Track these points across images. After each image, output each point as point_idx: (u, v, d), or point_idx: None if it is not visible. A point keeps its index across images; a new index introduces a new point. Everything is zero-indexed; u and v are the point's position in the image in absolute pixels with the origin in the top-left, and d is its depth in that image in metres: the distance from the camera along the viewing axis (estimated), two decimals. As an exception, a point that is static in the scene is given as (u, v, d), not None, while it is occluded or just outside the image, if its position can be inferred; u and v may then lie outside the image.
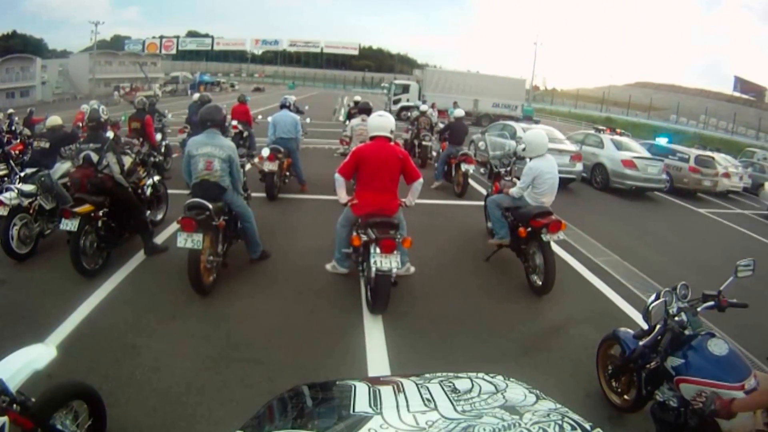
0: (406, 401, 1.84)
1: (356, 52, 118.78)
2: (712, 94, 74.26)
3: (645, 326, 3.53)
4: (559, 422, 1.69)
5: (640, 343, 3.51)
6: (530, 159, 6.53)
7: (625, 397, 3.91)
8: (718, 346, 3.03)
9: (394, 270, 5.03)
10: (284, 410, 2.01)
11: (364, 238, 5.32)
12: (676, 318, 3.29)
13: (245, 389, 3.94)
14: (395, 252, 5.06)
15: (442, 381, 2.06)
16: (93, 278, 5.74)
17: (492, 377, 2.16)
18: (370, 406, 1.81)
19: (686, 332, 3.25)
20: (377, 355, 4.57)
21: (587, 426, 1.69)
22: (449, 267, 6.95)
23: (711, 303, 3.48)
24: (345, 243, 5.89)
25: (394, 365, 4.41)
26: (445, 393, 1.93)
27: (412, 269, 6.10)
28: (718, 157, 18.73)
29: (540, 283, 6.09)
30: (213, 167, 5.64)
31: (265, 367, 4.25)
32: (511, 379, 2.16)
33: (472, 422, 1.66)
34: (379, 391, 1.95)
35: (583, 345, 4.86)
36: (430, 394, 1.91)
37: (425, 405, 1.81)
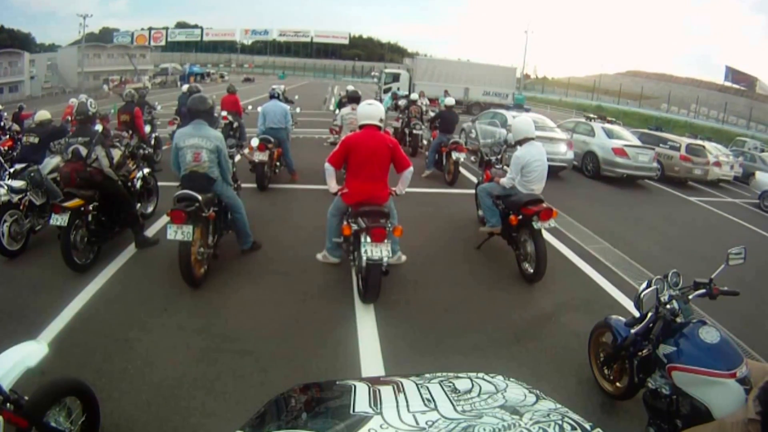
0: (406, 401, 1.83)
1: (346, 42, 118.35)
2: (704, 83, 74.24)
3: (637, 314, 3.54)
4: (559, 422, 1.69)
5: (632, 330, 3.51)
6: (518, 147, 6.55)
7: (617, 384, 3.93)
8: (709, 334, 3.03)
9: (385, 259, 5.03)
10: (284, 410, 2.00)
11: (355, 227, 5.31)
12: (668, 306, 3.29)
13: (238, 381, 3.95)
14: (386, 241, 5.05)
15: (442, 381, 2.05)
16: (84, 273, 5.71)
17: (492, 377, 2.15)
18: (370, 406, 1.80)
19: (678, 320, 3.25)
20: (369, 345, 4.58)
21: (587, 426, 1.68)
22: (440, 255, 6.96)
23: (702, 291, 3.48)
24: (336, 232, 5.88)
25: (386, 355, 4.42)
26: (445, 393, 1.92)
27: (404, 258, 6.09)
28: (709, 146, 18.81)
29: (531, 270, 6.11)
30: (201, 158, 5.61)
31: (258, 359, 4.25)
32: (511, 379, 2.16)
33: (472, 422, 1.65)
34: (379, 391, 1.94)
35: (575, 332, 4.89)
36: (430, 394, 1.90)
37: (425, 405, 1.80)
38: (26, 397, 2.51)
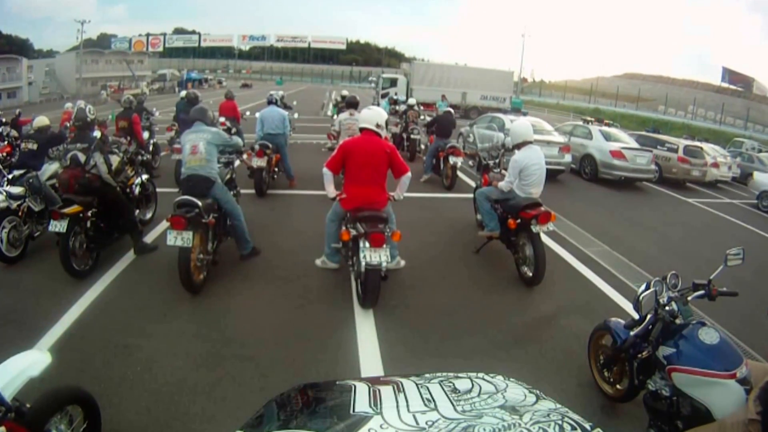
0: (406, 401, 1.83)
1: (344, 47, 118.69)
2: (701, 84, 74.46)
3: (636, 316, 3.53)
4: (559, 422, 1.69)
5: (631, 333, 3.51)
6: (516, 150, 6.56)
7: (618, 386, 3.93)
8: (709, 335, 3.03)
9: (384, 264, 5.04)
10: (284, 410, 2.00)
11: (354, 232, 5.32)
12: (667, 307, 3.29)
13: (238, 386, 3.94)
14: (385, 246, 5.06)
15: (442, 381, 2.05)
16: (83, 279, 5.70)
17: (492, 377, 2.15)
18: (370, 406, 1.80)
19: (677, 321, 3.25)
20: (369, 350, 4.57)
21: (587, 426, 1.68)
22: (439, 260, 6.96)
23: (701, 292, 3.48)
24: (334, 238, 5.89)
25: (385, 359, 4.42)
26: (445, 393, 1.92)
27: (402, 263, 6.10)
28: (707, 147, 18.86)
29: (530, 274, 6.12)
30: (198, 150, 5.73)
31: (258, 364, 4.24)
32: (511, 379, 2.16)
33: (472, 422, 1.65)
34: (379, 391, 1.94)
35: (575, 335, 4.90)
36: (430, 394, 1.90)
37: (425, 405, 1.80)
38: (28, 405, 2.50)
